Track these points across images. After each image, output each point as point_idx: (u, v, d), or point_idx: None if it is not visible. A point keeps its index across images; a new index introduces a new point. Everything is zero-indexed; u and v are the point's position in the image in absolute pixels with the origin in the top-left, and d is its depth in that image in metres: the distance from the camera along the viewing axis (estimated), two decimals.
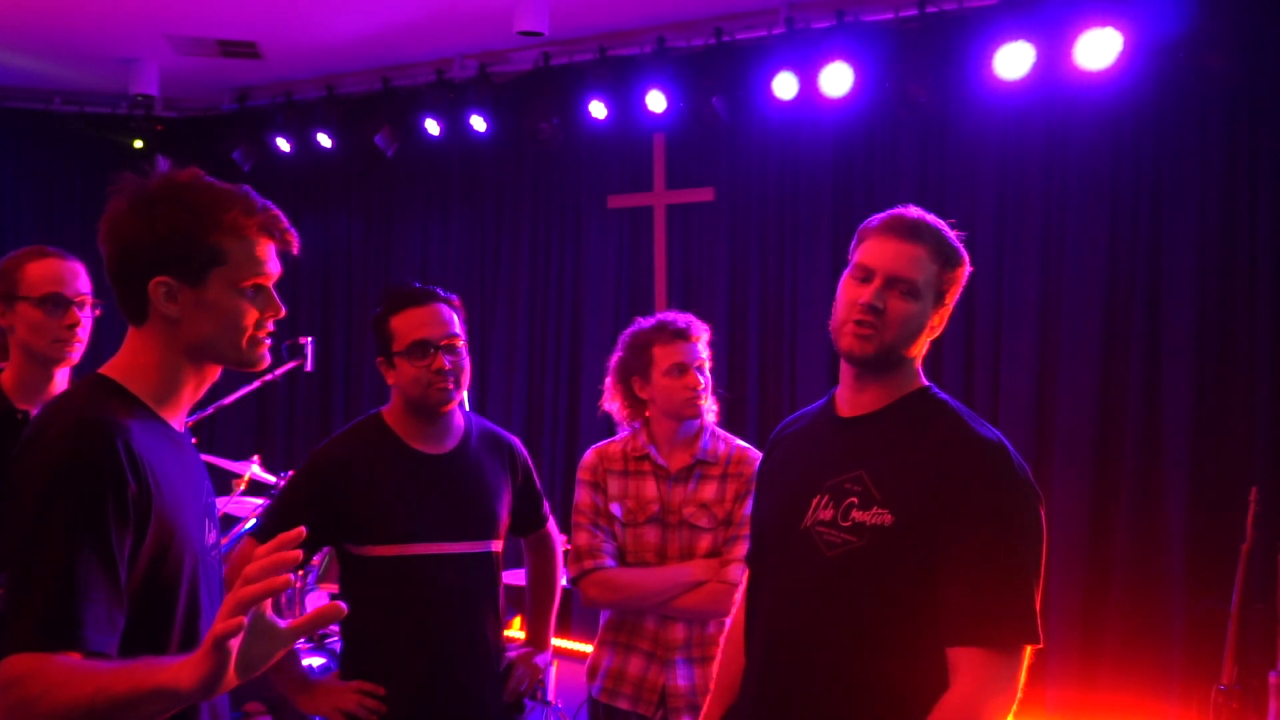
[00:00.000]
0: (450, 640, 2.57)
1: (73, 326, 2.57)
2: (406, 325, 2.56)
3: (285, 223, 1.74)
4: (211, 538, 1.78)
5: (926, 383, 1.98)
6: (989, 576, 1.74)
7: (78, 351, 2.62)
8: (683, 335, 2.88)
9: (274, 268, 1.73)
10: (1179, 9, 4.41)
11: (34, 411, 2.59)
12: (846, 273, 1.95)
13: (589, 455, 3.02)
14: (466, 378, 2.61)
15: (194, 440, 1.95)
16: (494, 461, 2.73)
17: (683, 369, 2.85)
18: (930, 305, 1.91)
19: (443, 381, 2.54)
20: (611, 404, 3.03)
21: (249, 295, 1.70)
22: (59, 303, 2.57)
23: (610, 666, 2.88)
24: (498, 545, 2.69)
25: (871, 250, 1.92)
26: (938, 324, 1.95)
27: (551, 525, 2.98)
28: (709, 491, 2.88)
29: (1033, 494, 1.81)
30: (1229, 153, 4.67)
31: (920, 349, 1.95)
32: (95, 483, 1.52)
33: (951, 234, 1.96)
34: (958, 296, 1.97)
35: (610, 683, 2.87)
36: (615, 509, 2.90)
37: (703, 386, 2.85)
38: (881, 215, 1.96)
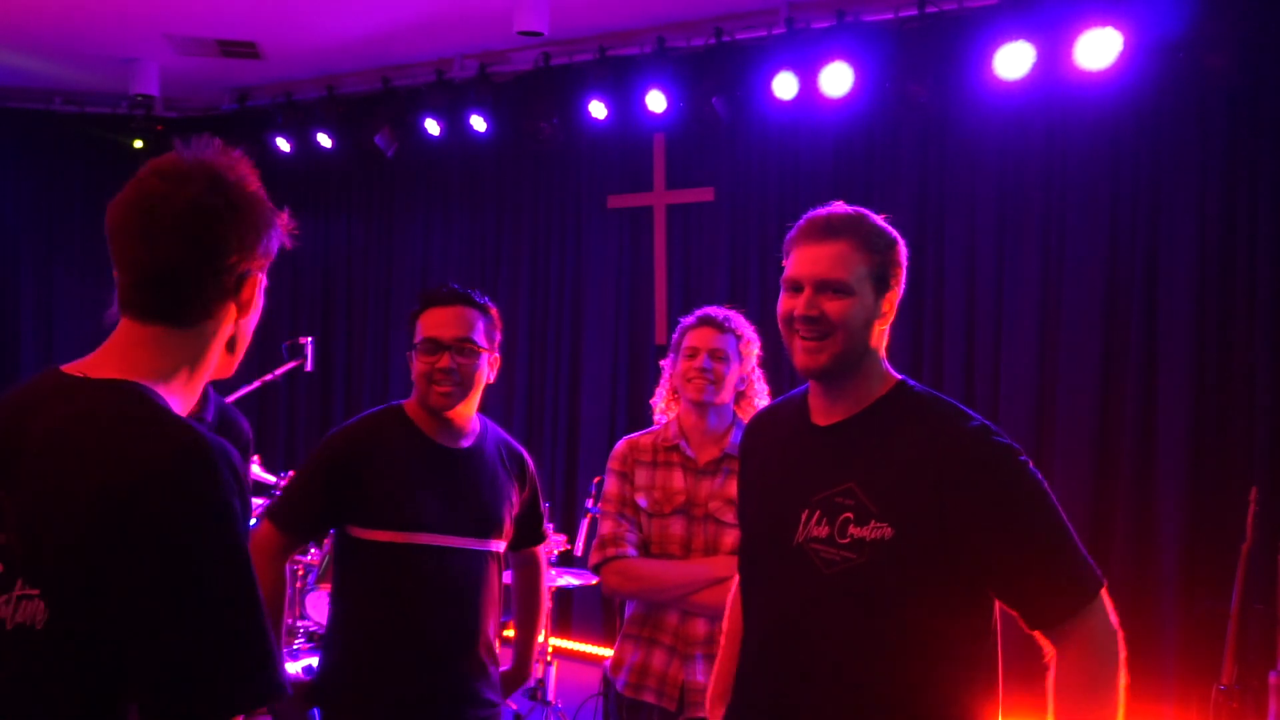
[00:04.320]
0: (442, 634, 2.57)
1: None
2: (426, 322, 2.61)
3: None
4: None
5: (899, 376, 1.95)
6: (1040, 557, 1.80)
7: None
8: (707, 322, 2.91)
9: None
10: (1179, 9, 4.41)
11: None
12: (782, 290, 1.93)
13: (620, 445, 3.02)
14: (476, 382, 2.61)
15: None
16: (506, 468, 2.75)
17: (694, 351, 2.88)
18: (871, 295, 1.87)
19: (444, 381, 2.55)
20: (659, 391, 3.07)
21: None
22: None
23: (635, 661, 2.87)
24: (499, 545, 2.70)
25: (797, 260, 1.90)
26: (888, 310, 1.90)
27: (542, 550, 2.99)
28: (736, 487, 2.88)
29: (1022, 456, 1.84)
30: (1228, 152, 4.67)
31: (880, 340, 1.92)
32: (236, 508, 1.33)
33: (875, 218, 1.93)
34: (903, 276, 1.93)
35: (635, 677, 2.86)
36: (641, 500, 2.89)
37: (707, 370, 2.84)
38: (800, 222, 1.94)
